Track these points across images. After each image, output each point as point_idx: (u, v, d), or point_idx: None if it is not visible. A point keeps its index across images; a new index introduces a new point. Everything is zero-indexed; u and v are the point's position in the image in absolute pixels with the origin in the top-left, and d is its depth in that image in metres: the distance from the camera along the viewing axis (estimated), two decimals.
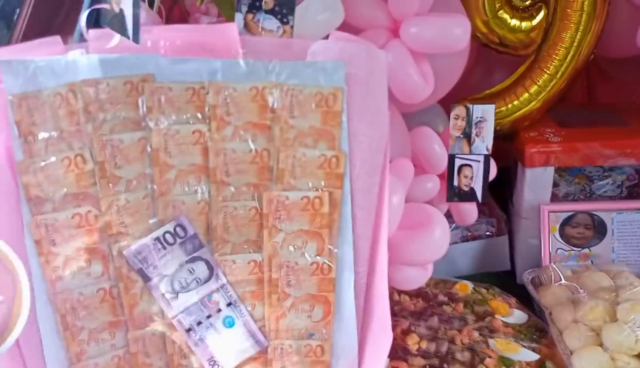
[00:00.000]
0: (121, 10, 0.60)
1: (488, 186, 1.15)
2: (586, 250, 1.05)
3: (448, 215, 1.08)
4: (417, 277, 0.79)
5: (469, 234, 1.18)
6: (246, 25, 0.69)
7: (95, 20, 0.66)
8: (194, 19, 0.77)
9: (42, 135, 0.61)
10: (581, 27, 0.98)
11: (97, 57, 0.60)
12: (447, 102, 1.06)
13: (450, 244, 1.15)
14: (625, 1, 1.04)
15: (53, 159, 0.61)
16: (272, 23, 0.70)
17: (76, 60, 0.61)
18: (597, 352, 0.76)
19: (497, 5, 0.98)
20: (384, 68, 0.67)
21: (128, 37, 0.59)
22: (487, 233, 1.18)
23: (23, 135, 0.61)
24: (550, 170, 1.05)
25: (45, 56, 0.62)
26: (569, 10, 0.98)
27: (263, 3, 0.70)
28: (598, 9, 0.98)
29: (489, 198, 1.21)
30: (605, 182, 1.08)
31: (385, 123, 0.67)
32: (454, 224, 1.16)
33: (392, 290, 0.93)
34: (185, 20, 0.78)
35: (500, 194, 1.23)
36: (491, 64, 1.22)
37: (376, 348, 0.69)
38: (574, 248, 1.05)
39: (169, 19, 0.79)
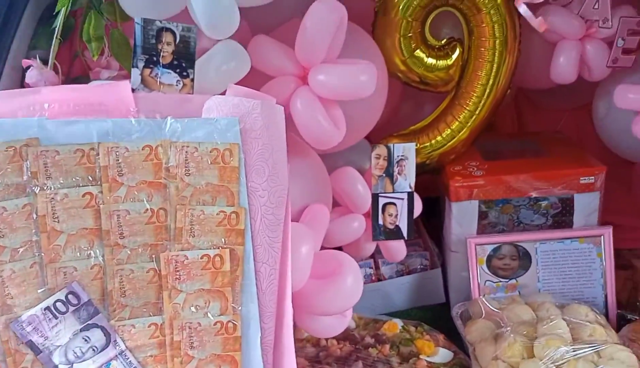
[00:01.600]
0: None
1: (421, 219, 1.17)
2: (513, 281, 1.07)
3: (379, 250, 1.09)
4: (334, 325, 0.78)
5: (404, 268, 1.19)
6: (144, 81, 0.68)
7: None
8: (94, 74, 0.75)
9: None
10: (495, 65, 1.01)
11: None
12: (376, 139, 1.08)
13: (385, 279, 1.17)
14: (539, 38, 1.07)
15: None
16: (171, 77, 0.70)
17: None
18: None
19: (412, 45, 1.00)
20: (281, 122, 0.67)
21: None
22: (421, 266, 1.18)
23: None
24: (475, 203, 1.07)
25: None
26: (482, 49, 1.01)
27: (161, 57, 0.69)
28: (509, 47, 1.01)
29: (422, 232, 1.23)
30: (532, 211, 1.11)
31: (284, 176, 0.67)
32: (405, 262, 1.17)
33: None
34: (87, 74, 0.77)
35: (436, 225, 1.25)
36: (419, 98, 1.24)
37: None
38: (502, 280, 1.07)
39: (70, 74, 0.77)
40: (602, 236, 1.04)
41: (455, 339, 1.00)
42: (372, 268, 1.18)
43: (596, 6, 1.01)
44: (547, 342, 0.80)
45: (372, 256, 1.18)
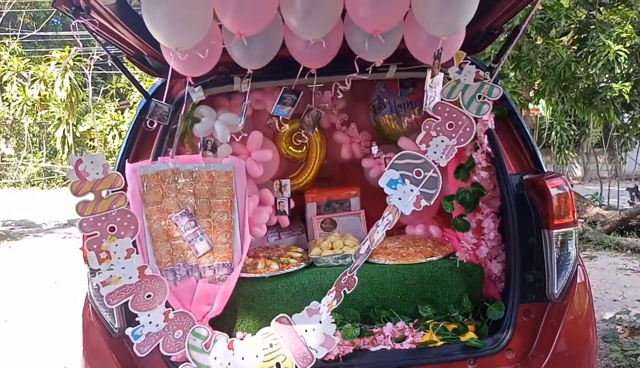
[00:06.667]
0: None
1: (298, 214, 2.86)
2: (329, 233, 2.76)
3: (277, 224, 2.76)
4: (260, 231, 2.43)
5: (292, 235, 2.85)
6: (203, 155, 2.37)
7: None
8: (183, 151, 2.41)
9: (149, 185, 2.20)
10: (317, 153, 2.80)
11: (167, 164, 2.24)
12: (275, 178, 2.79)
13: (285, 237, 2.83)
14: (337, 143, 2.88)
15: (152, 193, 2.20)
16: (210, 153, 2.39)
17: (159, 164, 2.23)
18: (321, 248, 2.42)
19: (287, 145, 2.77)
20: (243, 167, 2.37)
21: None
22: (297, 233, 2.85)
23: (144, 185, 2.19)
24: (314, 204, 2.79)
25: (148, 164, 2.23)
26: (313, 146, 2.79)
27: (207, 146, 2.39)
28: (322, 145, 2.80)
29: (296, 216, 2.92)
30: (338, 205, 2.84)
31: (245, 183, 2.35)
32: (287, 232, 2.83)
33: (253, 252, 2.54)
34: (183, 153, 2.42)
35: (303, 216, 2.94)
36: (292, 165, 2.98)
37: (245, 247, 2.30)
38: (327, 233, 2.75)
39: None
40: (360, 214, 2.78)
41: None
42: (277, 235, 2.84)
43: (353, 131, 2.85)
44: (332, 235, 2.49)
45: (277, 232, 2.84)
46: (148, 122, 2.18)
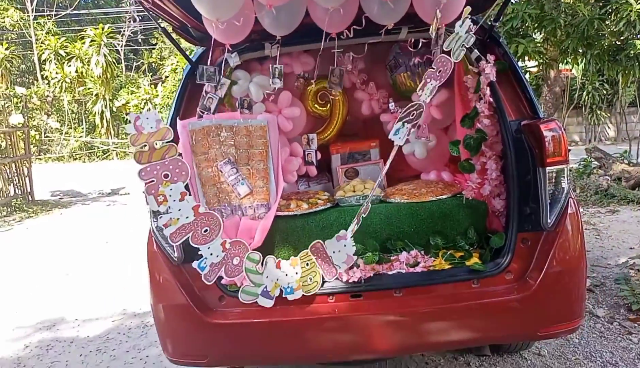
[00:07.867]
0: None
1: (326, 165, 3.24)
2: (351, 180, 3.12)
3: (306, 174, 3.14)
4: (291, 177, 2.81)
5: (319, 183, 3.22)
6: (241, 112, 2.75)
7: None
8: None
9: (197, 138, 2.60)
10: (340, 109, 3.13)
11: (208, 120, 2.63)
12: (303, 133, 3.16)
13: (314, 186, 3.23)
14: (358, 101, 3.21)
15: (199, 145, 2.60)
16: (247, 110, 2.76)
17: (204, 120, 2.62)
18: (345, 190, 2.79)
19: (313, 103, 3.11)
20: (275, 122, 2.74)
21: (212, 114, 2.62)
22: (324, 182, 3.22)
23: (193, 138, 2.59)
24: (338, 155, 3.15)
25: (194, 121, 2.63)
26: (336, 103, 3.13)
27: (244, 105, 2.76)
28: (345, 103, 3.14)
29: (323, 168, 3.30)
30: (361, 156, 3.19)
31: (277, 136, 2.73)
32: (315, 181, 3.21)
33: (287, 196, 2.93)
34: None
35: (329, 169, 3.30)
36: (319, 121, 3.34)
37: (279, 190, 2.69)
38: (349, 180, 3.11)
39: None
40: (380, 163, 3.13)
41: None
42: (307, 184, 3.22)
43: (373, 89, 3.17)
44: (359, 182, 2.85)
45: (307, 181, 3.22)
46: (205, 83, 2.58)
